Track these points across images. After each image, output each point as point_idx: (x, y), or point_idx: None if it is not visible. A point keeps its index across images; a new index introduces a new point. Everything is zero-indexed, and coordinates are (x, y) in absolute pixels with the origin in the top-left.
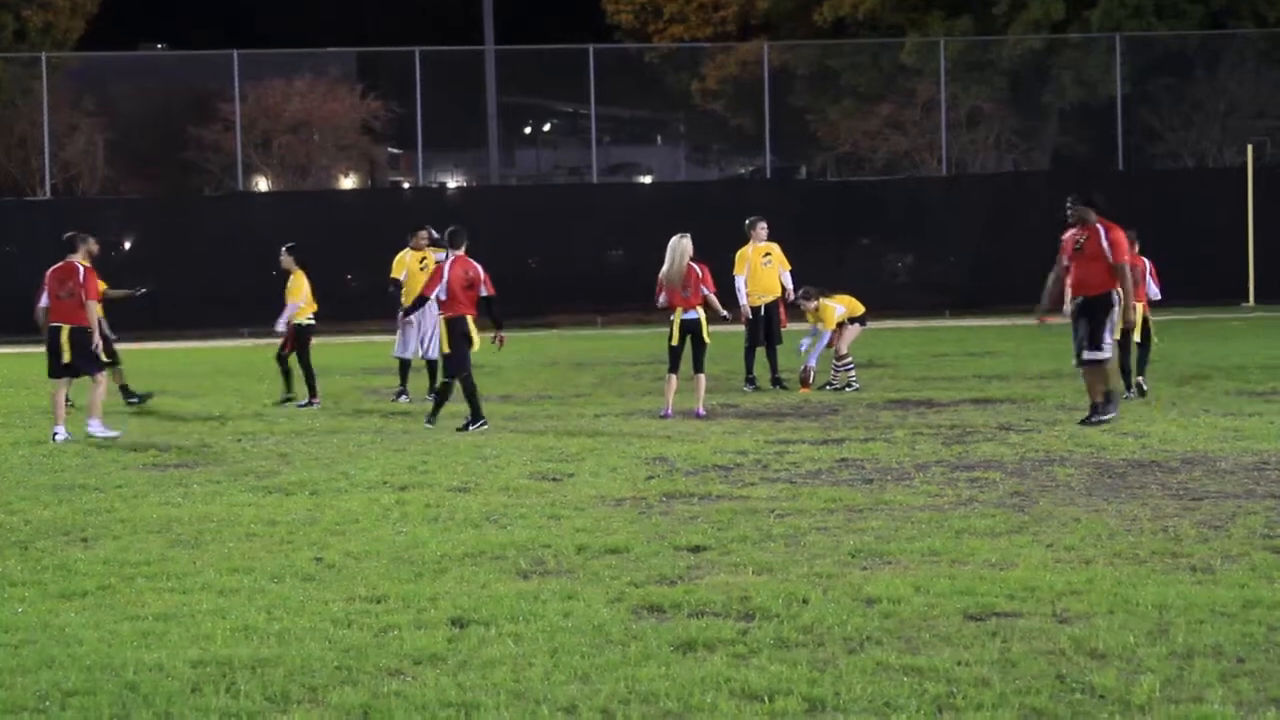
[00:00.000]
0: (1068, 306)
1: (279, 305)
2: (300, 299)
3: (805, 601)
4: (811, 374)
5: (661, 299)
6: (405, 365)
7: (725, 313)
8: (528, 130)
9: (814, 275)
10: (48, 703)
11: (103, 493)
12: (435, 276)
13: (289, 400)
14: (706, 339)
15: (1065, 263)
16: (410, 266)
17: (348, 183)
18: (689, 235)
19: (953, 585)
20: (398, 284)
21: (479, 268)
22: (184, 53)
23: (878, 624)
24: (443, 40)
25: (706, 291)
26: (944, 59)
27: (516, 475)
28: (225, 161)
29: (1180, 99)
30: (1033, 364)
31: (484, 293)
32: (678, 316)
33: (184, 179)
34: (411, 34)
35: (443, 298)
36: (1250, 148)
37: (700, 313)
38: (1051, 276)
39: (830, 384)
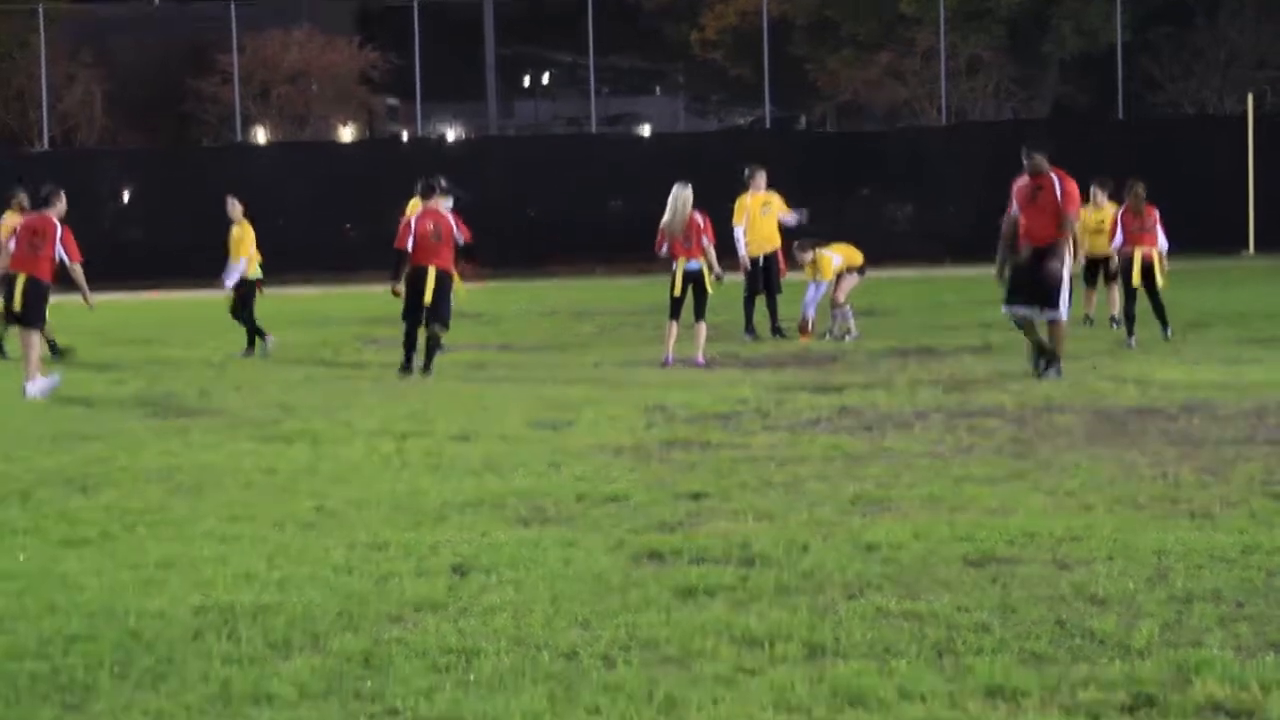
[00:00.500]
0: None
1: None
2: (248, 253)
3: (805, 548)
4: (810, 323)
5: (664, 249)
6: None
7: (719, 271)
8: (526, 81)
9: (814, 225)
10: (50, 649)
11: (103, 441)
12: (403, 231)
13: (260, 343)
14: (709, 289)
15: (1015, 212)
16: None
17: (346, 134)
18: (690, 185)
19: (952, 531)
20: None
21: (449, 218)
22: (182, 3)
23: (877, 570)
24: None
25: (706, 243)
26: (943, 8)
27: (517, 424)
28: (223, 113)
29: (1181, 48)
30: None
31: (460, 240)
32: (680, 266)
33: (182, 130)
34: None
35: (408, 248)
36: (1251, 96)
37: (703, 263)
38: (1006, 227)
39: (830, 332)
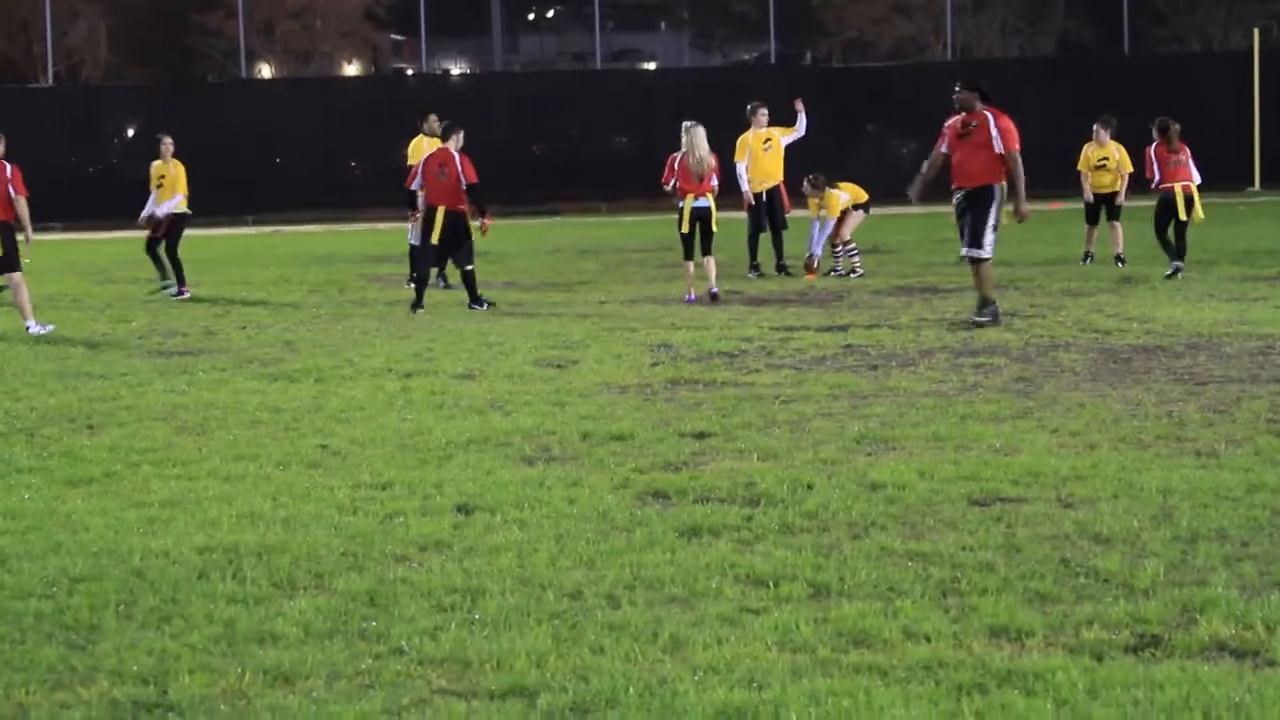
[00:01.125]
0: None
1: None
2: (183, 190)
3: (810, 487)
4: (816, 261)
5: (672, 183)
6: (414, 251)
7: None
8: (531, 16)
9: (819, 162)
10: (55, 588)
11: (108, 380)
12: (412, 172)
13: (166, 288)
14: (714, 228)
15: (944, 150)
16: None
17: (351, 70)
18: (700, 126)
19: (957, 470)
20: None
21: (457, 159)
22: None
23: (882, 509)
24: None
25: (715, 183)
26: None
27: (521, 362)
28: (228, 48)
29: None
30: (1037, 249)
31: (465, 183)
32: (688, 204)
33: (187, 66)
34: None
35: (416, 188)
36: (1257, 31)
37: (710, 201)
38: (926, 164)
39: (835, 270)
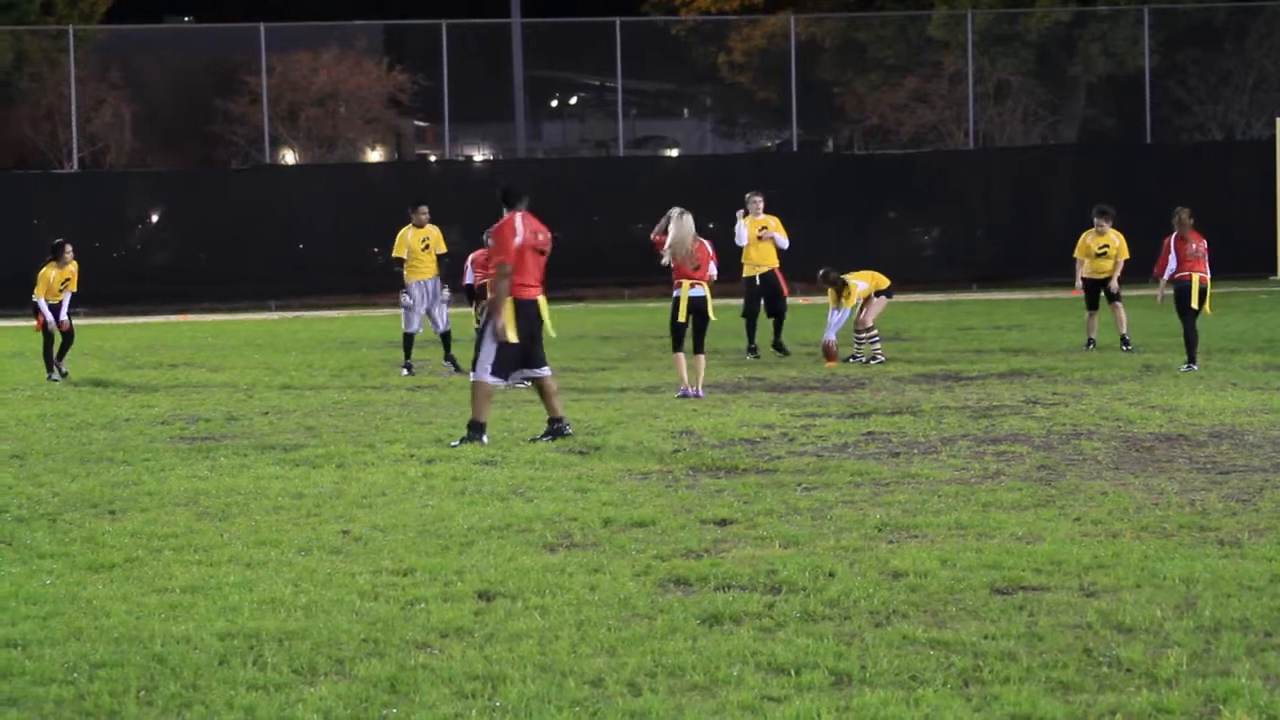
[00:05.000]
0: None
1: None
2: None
3: (832, 575)
4: (834, 347)
5: (666, 259)
6: (409, 339)
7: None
8: (554, 103)
9: (840, 248)
10: (76, 674)
11: (130, 465)
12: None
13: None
14: (711, 315)
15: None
16: (413, 244)
17: (374, 156)
18: (689, 213)
19: (979, 559)
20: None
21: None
22: (210, 25)
23: (904, 597)
24: (469, 12)
25: (713, 270)
26: (971, 31)
27: (543, 448)
28: (252, 134)
29: (1208, 71)
30: (1060, 337)
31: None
32: (684, 292)
33: (210, 151)
34: (438, 6)
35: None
36: (1278, 120)
37: (706, 289)
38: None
39: (855, 357)
